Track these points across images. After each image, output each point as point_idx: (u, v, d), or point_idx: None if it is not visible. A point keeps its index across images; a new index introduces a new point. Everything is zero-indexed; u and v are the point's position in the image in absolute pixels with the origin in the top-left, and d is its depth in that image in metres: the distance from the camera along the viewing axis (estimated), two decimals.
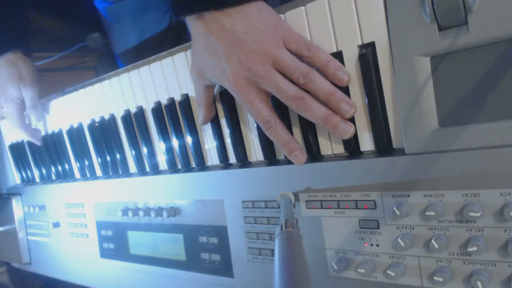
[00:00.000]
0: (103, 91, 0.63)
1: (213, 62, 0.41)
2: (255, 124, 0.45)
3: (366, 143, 0.39)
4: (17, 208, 0.85)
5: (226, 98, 0.47)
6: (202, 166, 0.53)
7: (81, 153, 0.70)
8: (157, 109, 0.55)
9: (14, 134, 0.84)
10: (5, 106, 0.76)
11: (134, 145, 0.60)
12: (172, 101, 0.53)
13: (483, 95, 0.31)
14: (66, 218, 0.73)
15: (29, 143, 0.81)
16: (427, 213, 0.33)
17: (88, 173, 0.70)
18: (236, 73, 0.39)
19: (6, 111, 0.78)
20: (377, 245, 0.37)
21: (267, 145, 0.45)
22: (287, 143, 0.40)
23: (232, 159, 0.49)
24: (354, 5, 0.37)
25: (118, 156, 0.63)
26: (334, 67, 0.37)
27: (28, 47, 0.81)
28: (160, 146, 0.56)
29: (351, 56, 0.38)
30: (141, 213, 0.57)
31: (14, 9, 0.79)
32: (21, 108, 0.75)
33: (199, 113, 0.49)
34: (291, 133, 0.43)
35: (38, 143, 0.77)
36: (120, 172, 0.64)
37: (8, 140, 0.89)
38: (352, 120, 0.39)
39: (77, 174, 0.73)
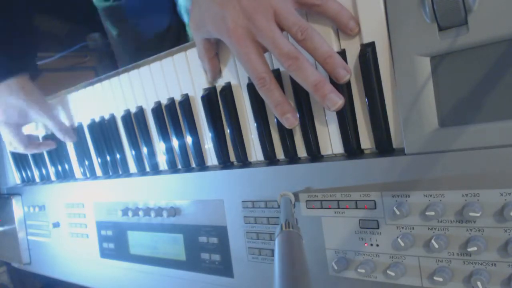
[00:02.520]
0: (103, 91, 0.63)
1: (213, 10, 0.40)
2: (255, 124, 0.45)
3: (366, 143, 0.39)
4: (17, 208, 0.85)
5: (226, 98, 0.47)
6: (202, 166, 0.53)
7: (81, 153, 0.70)
8: (157, 109, 0.55)
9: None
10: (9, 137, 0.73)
11: (134, 145, 0.60)
12: (172, 101, 0.53)
13: (483, 95, 0.31)
14: (66, 218, 0.73)
15: None
16: (427, 213, 0.33)
17: (88, 173, 0.70)
18: (235, 22, 0.38)
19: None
20: (377, 245, 0.37)
21: (267, 145, 0.45)
22: (280, 104, 0.39)
23: (232, 159, 0.49)
24: (354, 5, 0.37)
25: (118, 156, 0.63)
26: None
27: (35, 68, 0.77)
28: (160, 146, 0.56)
29: (353, 56, 0.38)
30: (141, 213, 0.57)
31: (23, 25, 0.75)
32: (17, 130, 0.72)
33: (204, 69, 0.48)
34: (291, 132, 0.43)
35: (54, 146, 0.74)
36: (120, 172, 0.64)
37: None
38: (352, 120, 0.39)
39: (77, 174, 0.73)
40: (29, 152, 0.75)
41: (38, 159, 0.81)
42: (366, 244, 0.38)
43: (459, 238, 0.33)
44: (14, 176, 0.90)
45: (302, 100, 0.41)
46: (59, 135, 0.69)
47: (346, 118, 0.39)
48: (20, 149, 0.74)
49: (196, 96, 0.51)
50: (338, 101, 0.36)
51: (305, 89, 0.38)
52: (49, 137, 0.75)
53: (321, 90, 0.36)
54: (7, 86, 0.67)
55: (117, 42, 0.94)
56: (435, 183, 0.33)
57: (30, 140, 0.75)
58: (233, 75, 0.47)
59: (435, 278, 0.33)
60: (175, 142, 0.54)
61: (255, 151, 0.47)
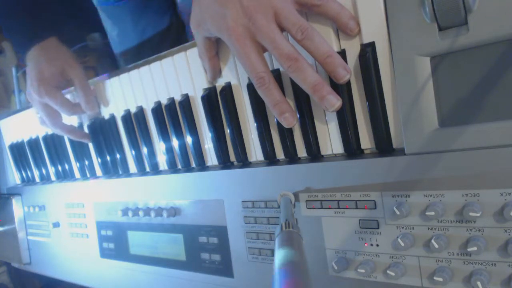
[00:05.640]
0: (103, 91, 0.63)
1: (214, 8, 0.40)
2: (255, 124, 0.45)
3: (366, 143, 0.39)
4: (17, 208, 0.85)
5: (226, 98, 0.47)
6: (202, 166, 0.53)
7: (81, 153, 0.70)
8: (157, 109, 0.55)
9: (44, 129, 0.75)
10: (45, 99, 0.65)
11: (134, 145, 0.60)
12: (172, 101, 0.53)
13: (483, 95, 0.31)
14: (66, 218, 0.73)
15: (29, 143, 0.81)
16: (427, 213, 0.33)
17: (88, 173, 0.70)
18: (236, 21, 0.38)
19: (44, 114, 0.67)
20: (377, 245, 0.37)
21: (267, 145, 0.45)
22: (279, 103, 0.39)
23: (232, 159, 0.49)
24: (354, 5, 0.37)
25: (118, 156, 0.63)
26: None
27: (63, 32, 0.72)
28: (160, 146, 0.56)
29: (353, 56, 0.38)
30: (141, 213, 0.57)
31: None
32: (65, 100, 0.65)
33: (204, 68, 0.48)
34: (291, 132, 0.43)
35: (88, 140, 0.67)
36: (120, 172, 0.64)
37: (8, 140, 0.89)
38: (352, 120, 0.39)
39: (77, 174, 0.73)
40: (73, 114, 0.66)
41: (38, 159, 0.81)
42: (366, 244, 0.38)
43: (459, 238, 0.33)
44: (14, 176, 0.90)
45: (302, 100, 0.41)
46: (83, 100, 0.63)
47: (346, 118, 0.39)
48: (64, 111, 0.66)
49: (196, 96, 0.51)
50: (336, 102, 0.37)
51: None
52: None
53: (320, 92, 0.36)
54: (40, 48, 0.67)
55: (117, 42, 0.94)
56: (435, 183, 0.33)
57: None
58: (233, 75, 0.47)
59: (435, 278, 0.33)
60: (175, 142, 0.54)
61: (255, 151, 0.47)
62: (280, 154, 0.45)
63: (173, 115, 0.53)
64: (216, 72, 0.48)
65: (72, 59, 0.67)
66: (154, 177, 0.56)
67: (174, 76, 0.53)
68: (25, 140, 0.82)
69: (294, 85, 0.41)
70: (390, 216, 0.36)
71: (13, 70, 1.40)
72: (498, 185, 0.31)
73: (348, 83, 0.38)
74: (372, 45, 0.36)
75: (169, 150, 0.55)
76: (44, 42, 0.67)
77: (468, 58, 0.32)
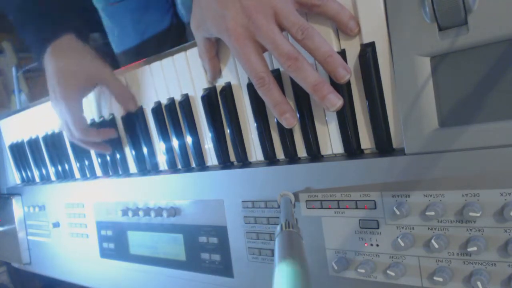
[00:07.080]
0: (103, 91, 0.63)
1: (213, 9, 0.40)
2: (255, 124, 0.45)
3: (366, 143, 0.39)
4: (17, 208, 0.85)
5: (226, 98, 0.47)
6: (202, 166, 0.53)
7: (81, 153, 0.70)
8: (157, 109, 0.55)
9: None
10: (67, 117, 0.59)
11: (134, 145, 0.60)
12: (172, 101, 0.53)
13: (483, 95, 0.31)
14: (66, 218, 0.73)
15: (29, 143, 0.81)
16: (427, 213, 0.33)
17: (88, 173, 0.70)
18: (235, 21, 0.38)
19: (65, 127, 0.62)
20: (377, 245, 0.37)
21: (267, 145, 0.45)
22: (279, 104, 0.39)
23: (232, 159, 0.49)
24: (354, 5, 0.37)
25: (118, 156, 0.63)
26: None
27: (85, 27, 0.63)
28: (160, 146, 0.56)
29: (353, 56, 0.38)
30: (141, 213, 0.57)
31: None
32: (76, 105, 0.59)
33: (204, 68, 0.48)
34: (291, 132, 0.43)
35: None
36: (120, 172, 0.64)
37: (8, 140, 0.89)
38: (352, 120, 0.39)
39: (77, 174, 0.73)
40: (87, 139, 0.60)
41: (38, 159, 0.81)
42: (366, 244, 0.38)
43: (459, 238, 0.33)
44: (14, 176, 0.90)
45: (302, 100, 0.41)
46: (122, 101, 0.58)
47: (346, 118, 0.39)
48: (76, 135, 0.60)
49: (196, 96, 0.51)
50: (337, 102, 0.36)
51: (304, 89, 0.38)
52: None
53: (320, 91, 0.36)
54: (56, 50, 0.59)
55: (117, 42, 0.94)
56: (435, 183, 0.33)
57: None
58: (233, 75, 0.47)
59: (435, 278, 0.33)
60: (175, 142, 0.54)
61: (255, 151, 0.47)
62: (280, 154, 0.45)
63: (173, 115, 0.53)
64: (216, 72, 0.48)
65: (95, 62, 0.59)
66: (154, 177, 0.56)
67: (174, 76, 0.53)
68: (25, 140, 0.82)
69: (294, 85, 0.41)
70: (390, 216, 0.36)
71: (13, 70, 1.40)
72: (498, 185, 0.31)
73: (348, 83, 0.38)
74: (372, 45, 0.36)
75: (169, 150, 0.55)
76: (60, 41, 0.59)
77: (468, 58, 0.32)
